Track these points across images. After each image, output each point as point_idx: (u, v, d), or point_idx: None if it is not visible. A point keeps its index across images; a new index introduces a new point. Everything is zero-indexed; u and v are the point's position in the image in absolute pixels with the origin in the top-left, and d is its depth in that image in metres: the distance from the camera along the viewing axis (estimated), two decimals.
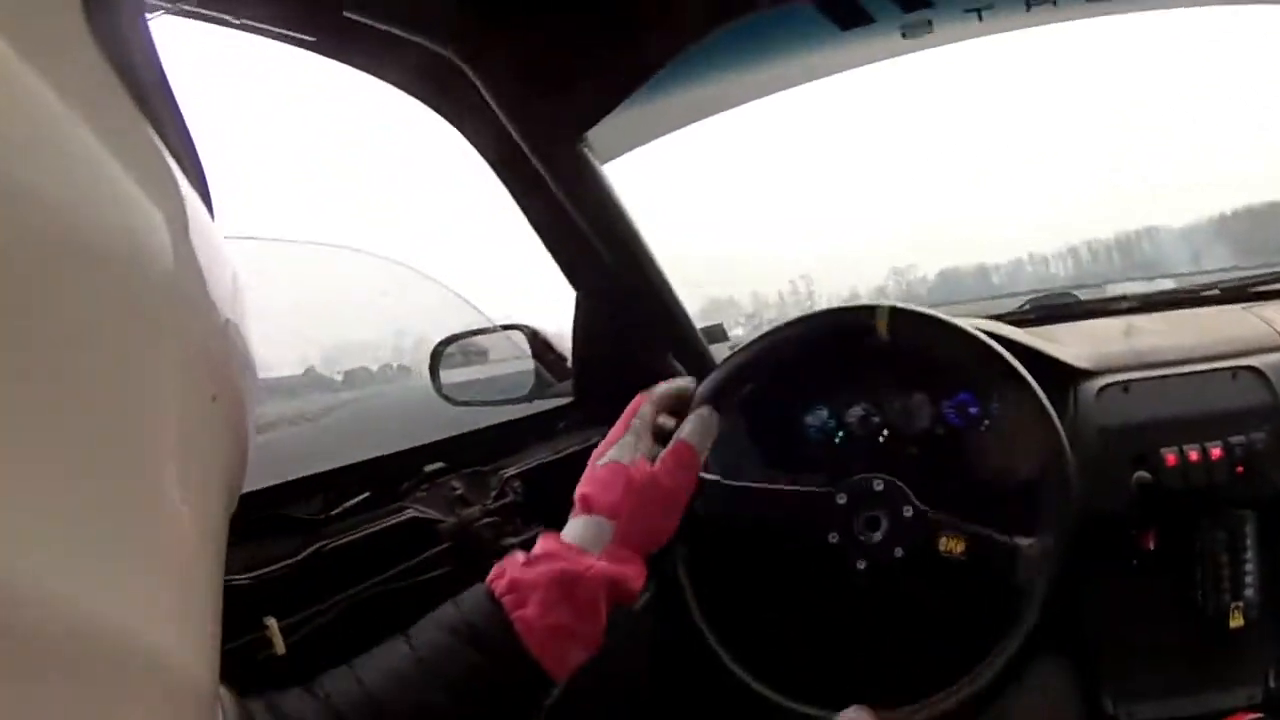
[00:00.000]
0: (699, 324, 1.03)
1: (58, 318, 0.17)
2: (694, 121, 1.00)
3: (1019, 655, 0.70)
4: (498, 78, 0.73)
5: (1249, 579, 0.85)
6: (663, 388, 0.66)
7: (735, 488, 0.78)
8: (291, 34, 0.67)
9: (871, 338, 0.75)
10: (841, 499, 0.76)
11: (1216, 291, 1.05)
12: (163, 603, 0.22)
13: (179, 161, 0.27)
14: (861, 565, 0.75)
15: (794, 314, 0.83)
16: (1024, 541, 0.71)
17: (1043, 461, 0.73)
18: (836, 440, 0.93)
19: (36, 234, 0.17)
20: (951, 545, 0.73)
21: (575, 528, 0.57)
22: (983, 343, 0.74)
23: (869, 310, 0.76)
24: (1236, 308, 1.00)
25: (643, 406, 0.63)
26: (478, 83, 0.72)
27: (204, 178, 0.31)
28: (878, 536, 0.75)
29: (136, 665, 0.20)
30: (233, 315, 0.29)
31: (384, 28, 0.66)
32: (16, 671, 0.15)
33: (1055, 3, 0.83)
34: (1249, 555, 0.85)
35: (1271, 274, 1.06)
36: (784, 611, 0.92)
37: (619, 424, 0.63)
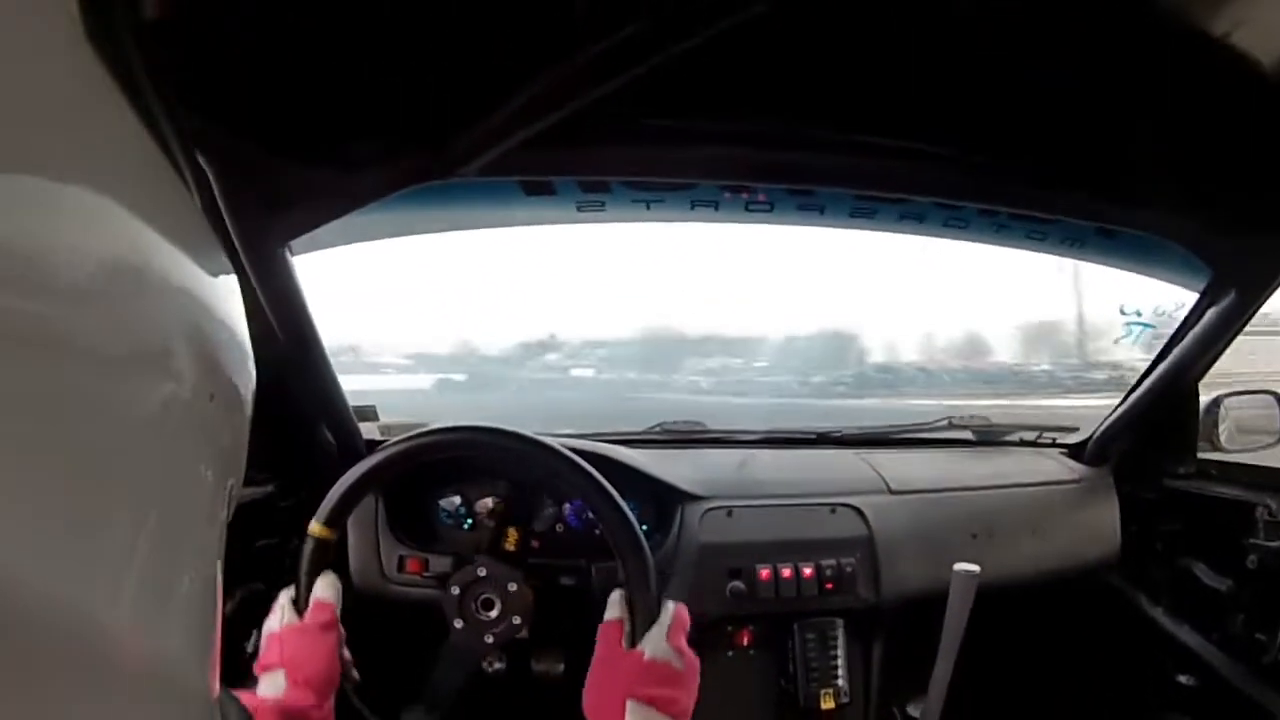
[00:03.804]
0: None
1: (55, 323, 0.17)
2: (388, 237, 1.06)
3: None
4: (229, 183, 0.75)
5: (839, 671, 1.05)
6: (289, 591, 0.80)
7: (368, 596, 0.91)
8: None
9: (462, 452, 0.84)
10: (455, 590, 0.87)
11: (836, 436, 1.28)
12: (162, 604, 0.21)
13: (175, 165, 0.27)
14: (490, 639, 0.87)
15: None
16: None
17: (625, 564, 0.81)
18: (465, 526, 1.03)
19: (31, 238, 0.16)
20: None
21: (261, 685, 0.70)
22: (569, 458, 0.83)
23: (455, 429, 0.84)
24: (850, 453, 1.23)
25: (280, 597, 0.78)
26: (213, 184, 0.74)
27: (202, 182, 0.30)
28: (494, 613, 0.87)
29: (136, 665, 0.19)
30: (230, 316, 0.28)
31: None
32: (18, 672, 0.15)
33: (716, 208, 1.01)
34: (838, 653, 1.05)
35: (887, 429, 1.33)
36: (408, 663, 0.98)
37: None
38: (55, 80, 0.19)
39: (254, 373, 0.33)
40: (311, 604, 0.75)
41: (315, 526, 0.79)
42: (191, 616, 0.24)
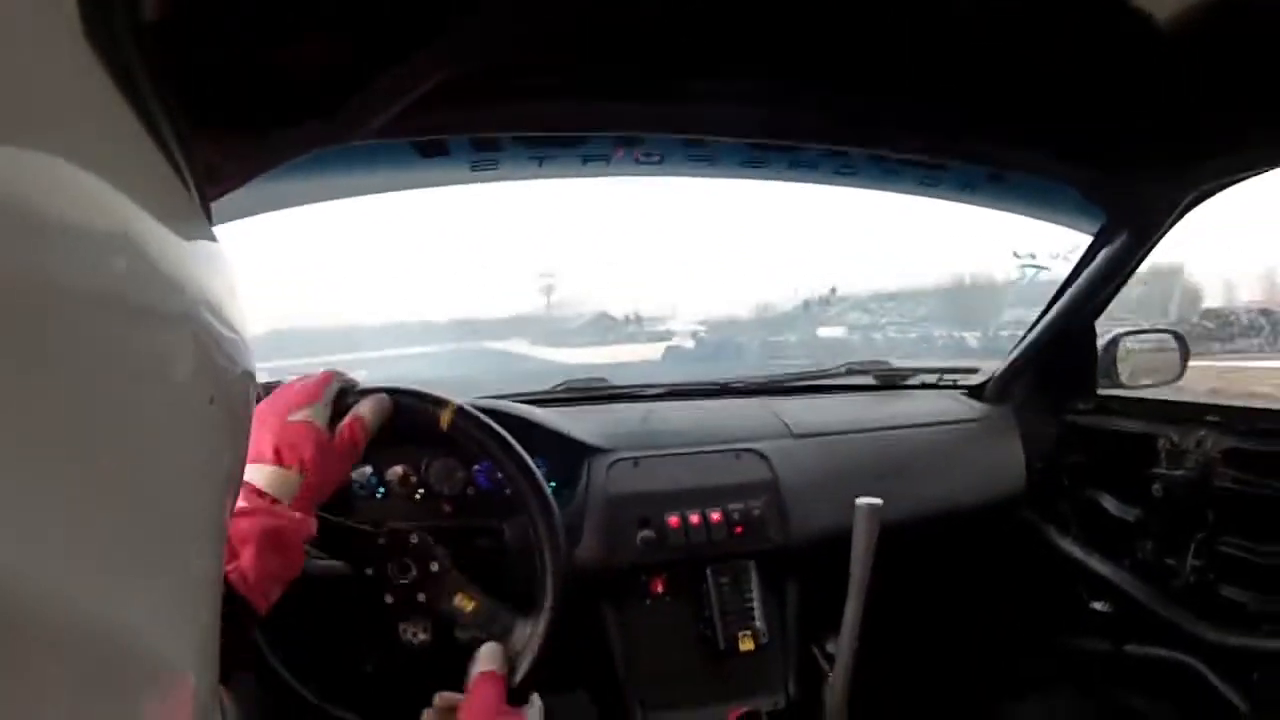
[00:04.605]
0: None
1: (56, 322, 0.17)
2: (293, 206, 1.06)
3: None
4: None
5: (755, 612, 1.08)
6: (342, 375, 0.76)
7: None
8: None
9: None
10: (382, 540, 0.87)
11: (739, 386, 1.31)
12: (162, 603, 0.22)
13: (175, 167, 0.26)
14: (389, 600, 0.86)
15: None
16: (521, 623, 0.84)
17: (537, 521, 0.85)
18: (378, 495, 1.02)
19: (32, 240, 0.16)
20: (464, 603, 0.88)
21: (268, 476, 0.64)
22: (474, 417, 0.85)
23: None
24: (753, 401, 1.26)
25: (332, 381, 0.73)
26: None
27: (201, 183, 0.30)
28: (405, 580, 0.87)
29: (136, 664, 0.19)
30: (231, 319, 0.28)
31: None
32: (17, 670, 0.15)
33: (608, 161, 1.02)
34: (753, 595, 1.08)
35: (788, 377, 1.36)
36: (336, 636, 0.98)
37: (309, 386, 0.71)
38: (54, 80, 0.19)
39: (255, 373, 0.33)
40: (351, 417, 0.71)
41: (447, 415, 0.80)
42: (191, 617, 0.24)
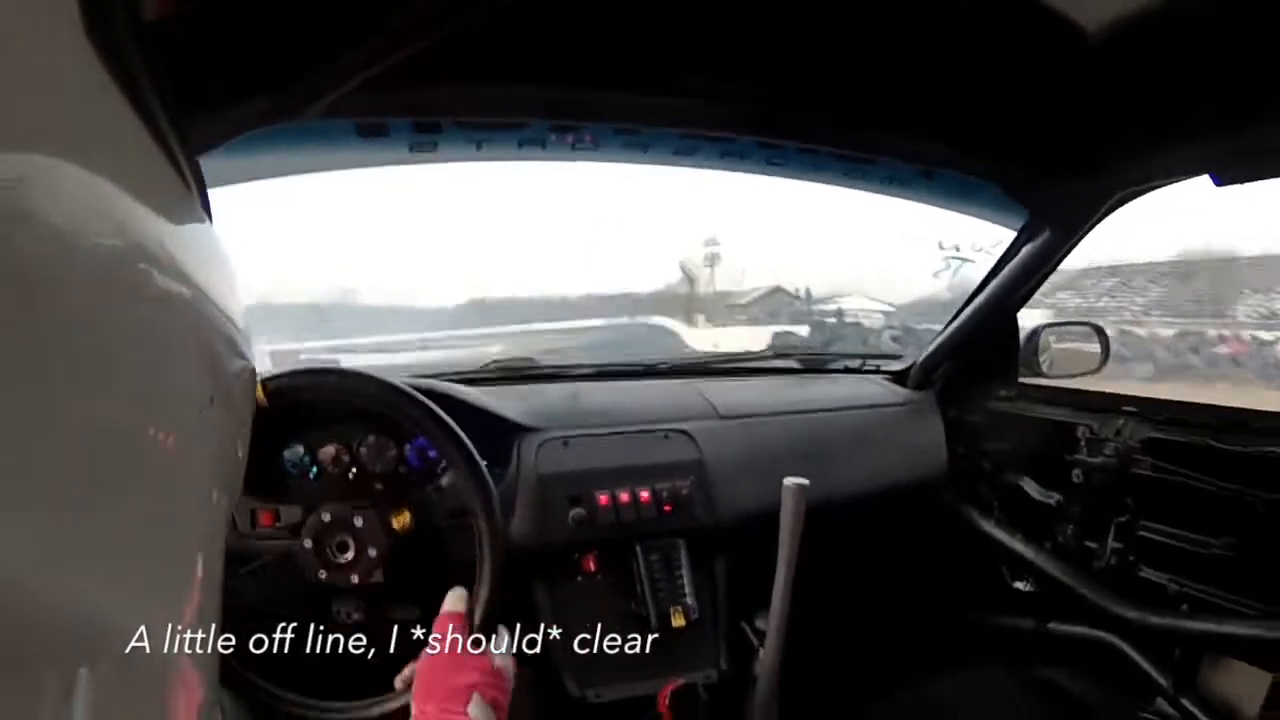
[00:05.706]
0: None
1: (56, 323, 0.17)
2: (239, 182, 1.04)
3: None
4: None
5: (685, 589, 1.11)
6: None
7: (228, 554, 0.87)
8: None
9: (311, 395, 0.85)
10: (308, 542, 0.90)
11: (665, 367, 1.35)
12: (162, 602, 0.22)
13: (175, 165, 0.26)
14: (355, 580, 0.90)
15: None
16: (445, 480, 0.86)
17: (473, 494, 0.87)
18: (311, 475, 1.02)
19: (32, 236, 0.16)
20: (402, 520, 0.93)
21: None
22: (413, 396, 0.86)
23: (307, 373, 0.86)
24: (679, 382, 1.29)
25: None
26: None
27: (201, 181, 0.30)
28: (350, 554, 0.91)
29: (136, 663, 0.19)
30: (232, 318, 0.28)
31: None
32: (17, 669, 0.15)
33: (544, 146, 1.04)
34: (682, 572, 1.11)
35: (714, 358, 1.40)
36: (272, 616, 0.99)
37: None
38: (55, 79, 0.19)
39: (255, 373, 0.33)
40: None
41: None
42: (192, 615, 0.24)
